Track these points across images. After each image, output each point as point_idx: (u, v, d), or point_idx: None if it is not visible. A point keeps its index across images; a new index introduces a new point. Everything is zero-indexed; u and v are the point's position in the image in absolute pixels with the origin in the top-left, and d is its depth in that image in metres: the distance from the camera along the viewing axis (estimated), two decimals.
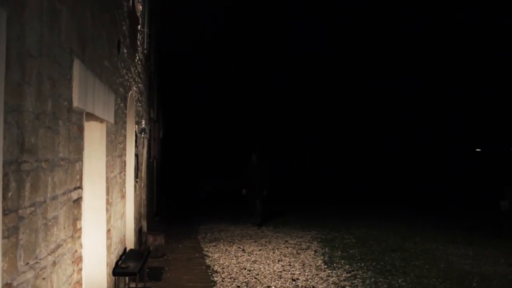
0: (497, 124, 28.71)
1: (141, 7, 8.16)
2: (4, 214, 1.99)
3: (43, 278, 2.57)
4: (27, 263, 2.32)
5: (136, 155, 7.52)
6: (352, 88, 30.33)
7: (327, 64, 29.24)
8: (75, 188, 3.30)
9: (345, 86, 30.26)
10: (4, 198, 1.98)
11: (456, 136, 31.25)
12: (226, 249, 8.79)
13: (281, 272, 7.23)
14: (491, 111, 28.74)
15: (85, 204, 3.76)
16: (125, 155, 6.20)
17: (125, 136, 6.19)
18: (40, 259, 2.51)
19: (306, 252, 8.62)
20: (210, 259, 8.02)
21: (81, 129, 3.45)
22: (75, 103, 3.22)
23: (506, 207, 14.68)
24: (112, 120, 4.79)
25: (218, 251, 8.66)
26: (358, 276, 7.05)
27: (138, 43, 7.83)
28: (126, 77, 6.27)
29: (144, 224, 9.02)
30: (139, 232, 8.08)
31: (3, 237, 1.99)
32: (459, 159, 31.38)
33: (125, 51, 6.02)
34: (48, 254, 2.66)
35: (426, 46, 27.99)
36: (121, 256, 5.83)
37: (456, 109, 29.98)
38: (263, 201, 11.82)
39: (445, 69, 28.42)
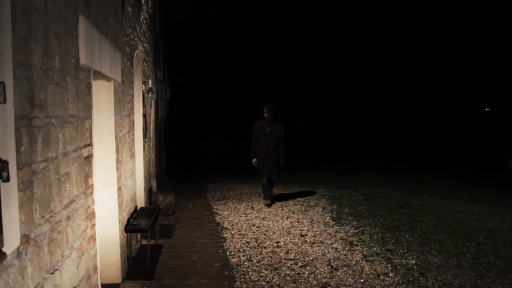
0: (507, 83, 28.31)
1: None
2: (18, 168, 2.03)
3: (59, 232, 2.65)
4: (43, 216, 2.38)
5: (144, 115, 7.54)
6: (360, 46, 29.88)
7: (334, 27, 28.78)
8: (86, 146, 3.34)
9: (353, 46, 29.83)
10: (17, 152, 2.01)
11: (465, 95, 30.92)
12: (235, 207, 8.93)
13: (289, 228, 7.35)
14: (501, 70, 28.29)
15: (96, 162, 3.81)
16: (133, 114, 6.22)
17: (132, 96, 6.20)
18: (55, 213, 2.57)
19: (314, 209, 8.73)
20: (219, 216, 8.16)
21: (89, 87, 3.45)
22: (82, 60, 3.22)
23: None
24: (119, 79, 4.78)
25: (227, 209, 8.80)
26: (366, 232, 7.16)
27: (143, 1, 7.71)
28: (132, 36, 6.21)
29: (154, 183, 9.14)
30: (149, 191, 8.21)
31: (19, 190, 2.03)
32: (468, 118, 31.16)
33: (129, 9, 5.94)
34: (62, 208, 2.73)
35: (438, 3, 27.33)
36: (132, 214, 5.95)
37: (466, 68, 29.53)
38: (279, 172, 9.45)
39: (456, 26, 27.81)
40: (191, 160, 17.71)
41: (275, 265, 5.63)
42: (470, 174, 13.50)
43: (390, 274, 5.31)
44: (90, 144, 3.47)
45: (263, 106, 9.33)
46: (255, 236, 6.91)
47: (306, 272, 5.39)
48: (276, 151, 9.16)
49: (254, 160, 9.32)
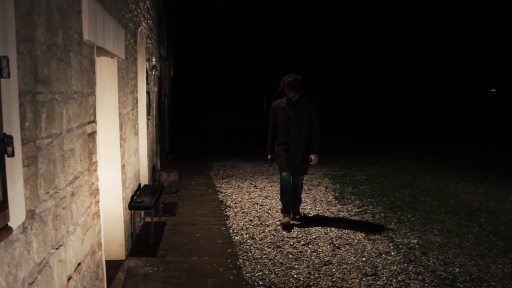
0: None
1: None
2: (23, 144, 2.02)
3: (63, 208, 2.66)
4: (48, 192, 2.38)
5: (148, 93, 7.51)
6: (368, 25, 29.60)
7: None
8: (89, 122, 3.33)
9: (362, 25, 29.56)
10: (21, 128, 2.01)
11: (471, 76, 30.66)
12: (238, 185, 8.96)
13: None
14: (507, 51, 27.99)
15: (100, 139, 3.81)
16: (136, 91, 6.19)
17: (136, 73, 6.16)
18: (59, 189, 2.58)
19: (317, 188, 8.76)
20: (222, 194, 8.20)
21: (92, 63, 3.43)
22: (86, 36, 3.18)
23: None
24: (122, 56, 4.74)
25: (230, 187, 8.83)
26: (368, 211, 7.18)
27: None
28: (135, 12, 6.14)
29: (157, 161, 9.16)
30: (152, 169, 8.23)
31: (24, 166, 2.03)
32: (473, 98, 30.98)
33: None
34: (67, 185, 2.74)
35: None
36: (136, 191, 5.97)
37: (472, 48, 29.22)
38: (305, 173, 6.77)
39: (462, 5, 27.44)
40: (195, 138, 17.71)
41: (278, 243, 5.68)
42: (474, 155, 13.47)
43: (392, 253, 5.34)
44: (94, 121, 3.46)
45: (283, 79, 6.33)
46: (258, 214, 6.95)
47: (309, 250, 5.43)
48: (305, 146, 6.38)
49: (269, 156, 6.66)
